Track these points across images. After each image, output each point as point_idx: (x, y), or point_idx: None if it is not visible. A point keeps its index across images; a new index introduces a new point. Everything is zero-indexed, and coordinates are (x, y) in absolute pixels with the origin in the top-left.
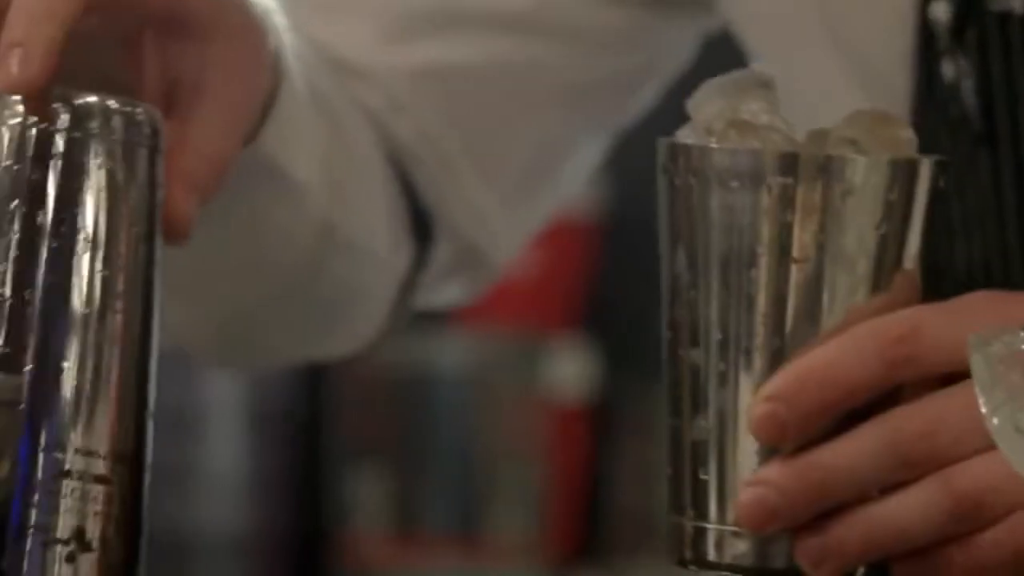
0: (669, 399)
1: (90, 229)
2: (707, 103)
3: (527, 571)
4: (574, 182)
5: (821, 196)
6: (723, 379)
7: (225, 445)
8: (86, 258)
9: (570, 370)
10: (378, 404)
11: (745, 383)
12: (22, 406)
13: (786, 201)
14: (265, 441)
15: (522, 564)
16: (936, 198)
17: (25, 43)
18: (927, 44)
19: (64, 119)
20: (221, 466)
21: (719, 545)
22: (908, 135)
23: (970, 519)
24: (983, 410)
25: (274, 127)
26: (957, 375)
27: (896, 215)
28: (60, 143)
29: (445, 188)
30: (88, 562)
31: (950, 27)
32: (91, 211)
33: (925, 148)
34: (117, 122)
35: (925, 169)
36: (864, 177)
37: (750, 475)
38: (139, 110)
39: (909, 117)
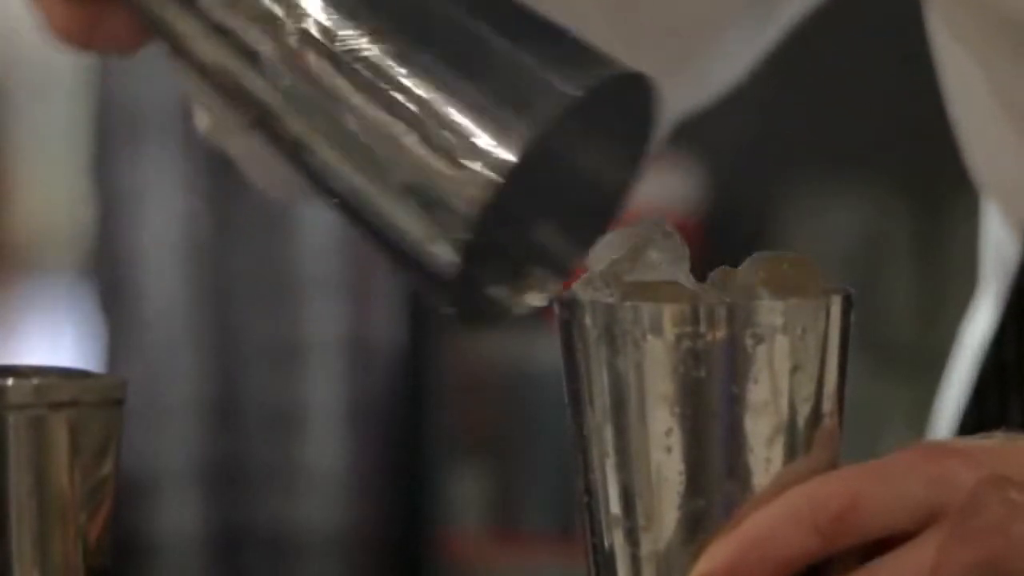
0: (592, 567)
1: None
2: (607, 254)
3: None
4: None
5: (729, 346)
6: (648, 545)
7: (326, 444)
8: None
9: None
10: (478, 402)
11: (672, 550)
12: (125, 405)
13: (694, 355)
14: (366, 440)
15: None
16: (848, 332)
17: None
18: None
19: None
20: (322, 465)
21: None
22: (814, 273)
23: None
24: None
25: None
26: (894, 537)
27: (810, 357)
28: None
29: None
30: None
31: None
32: None
33: None
34: None
35: (836, 306)
36: (773, 322)
37: None
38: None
39: None
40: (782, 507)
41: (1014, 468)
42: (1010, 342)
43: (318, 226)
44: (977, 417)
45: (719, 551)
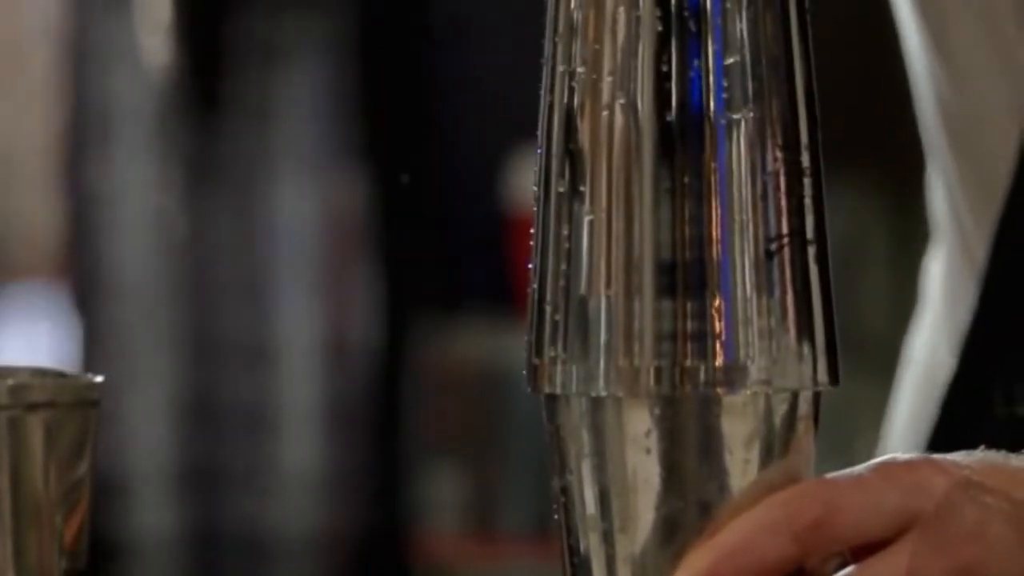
0: (568, 569)
1: None
2: None
3: None
4: None
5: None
6: (624, 547)
7: (302, 445)
8: None
9: None
10: (454, 403)
11: (648, 552)
12: (101, 406)
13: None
14: (342, 441)
15: None
16: None
17: None
18: None
19: None
20: (298, 466)
21: None
22: None
23: None
24: None
25: None
26: (872, 545)
27: None
28: None
29: None
30: None
31: None
32: None
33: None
34: None
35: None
36: None
37: None
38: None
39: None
40: (759, 516)
41: (990, 479)
42: (989, 336)
43: (293, 226)
44: (958, 416)
45: (697, 560)
